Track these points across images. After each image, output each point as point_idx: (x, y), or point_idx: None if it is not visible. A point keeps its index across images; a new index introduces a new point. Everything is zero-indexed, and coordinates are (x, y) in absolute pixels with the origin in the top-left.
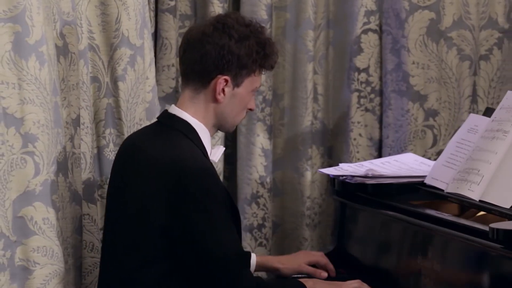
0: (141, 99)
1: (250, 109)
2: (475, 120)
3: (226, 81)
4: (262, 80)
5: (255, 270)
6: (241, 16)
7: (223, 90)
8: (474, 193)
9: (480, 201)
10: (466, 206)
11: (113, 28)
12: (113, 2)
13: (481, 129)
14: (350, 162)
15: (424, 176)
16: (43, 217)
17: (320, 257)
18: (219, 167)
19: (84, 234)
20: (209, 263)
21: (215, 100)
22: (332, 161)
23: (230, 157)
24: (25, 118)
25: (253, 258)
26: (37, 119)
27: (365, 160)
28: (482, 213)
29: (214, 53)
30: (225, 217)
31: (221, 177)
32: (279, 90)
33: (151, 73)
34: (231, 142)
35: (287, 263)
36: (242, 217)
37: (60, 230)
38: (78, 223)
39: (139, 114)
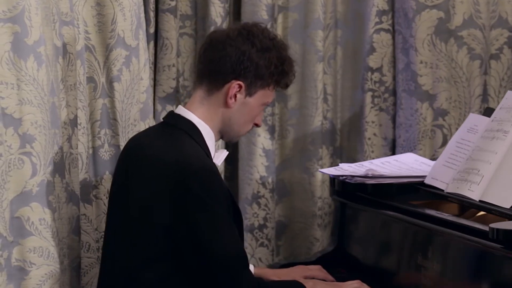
0: (135, 99)
1: (256, 125)
2: (475, 120)
3: (240, 87)
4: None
5: None
6: (268, 29)
7: (235, 96)
8: (474, 193)
9: (480, 201)
10: (466, 206)
11: (109, 28)
12: (109, 3)
13: (481, 129)
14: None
15: (424, 176)
16: (40, 217)
17: (317, 271)
18: (220, 168)
19: (80, 234)
20: (210, 263)
21: (226, 104)
22: (343, 161)
23: (230, 158)
24: (24, 119)
25: (251, 269)
26: (35, 120)
27: None
28: (482, 213)
29: (234, 56)
30: (227, 218)
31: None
32: (287, 91)
33: (146, 73)
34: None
35: (283, 277)
36: (243, 217)
37: (56, 230)
38: (76, 223)
39: (133, 114)
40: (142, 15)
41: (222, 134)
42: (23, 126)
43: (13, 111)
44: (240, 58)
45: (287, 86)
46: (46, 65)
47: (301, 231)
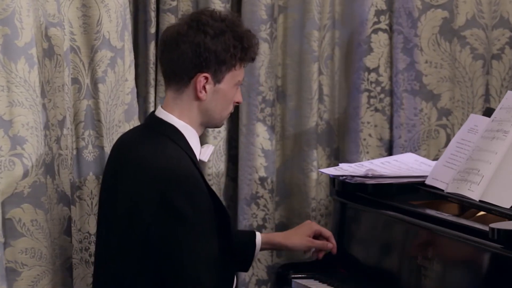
0: (120, 101)
1: (237, 103)
2: (475, 120)
3: (206, 78)
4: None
5: (261, 249)
6: (216, 11)
7: (204, 88)
8: (474, 193)
9: (480, 201)
10: (466, 206)
11: (95, 30)
12: (95, 4)
13: (481, 129)
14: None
15: (424, 176)
16: (32, 218)
17: (325, 229)
18: (221, 168)
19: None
20: (175, 275)
21: (197, 98)
22: (339, 162)
23: (235, 158)
24: (14, 121)
25: (258, 237)
26: (26, 122)
27: None
28: (482, 213)
29: (190, 52)
30: (207, 230)
31: (223, 178)
32: (287, 91)
33: (131, 75)
34: (236, 142)
35: (292, 237)
36: (241, 218)
37: (48, 231)
38: (67, 224)
39: (118, 116)
40: (128, 16)
41: (206, 125)
42: (14, 128)
43: (3, 113)
44: (197, 51)
45: (253, 59)
46: (38, 66)
47: None
